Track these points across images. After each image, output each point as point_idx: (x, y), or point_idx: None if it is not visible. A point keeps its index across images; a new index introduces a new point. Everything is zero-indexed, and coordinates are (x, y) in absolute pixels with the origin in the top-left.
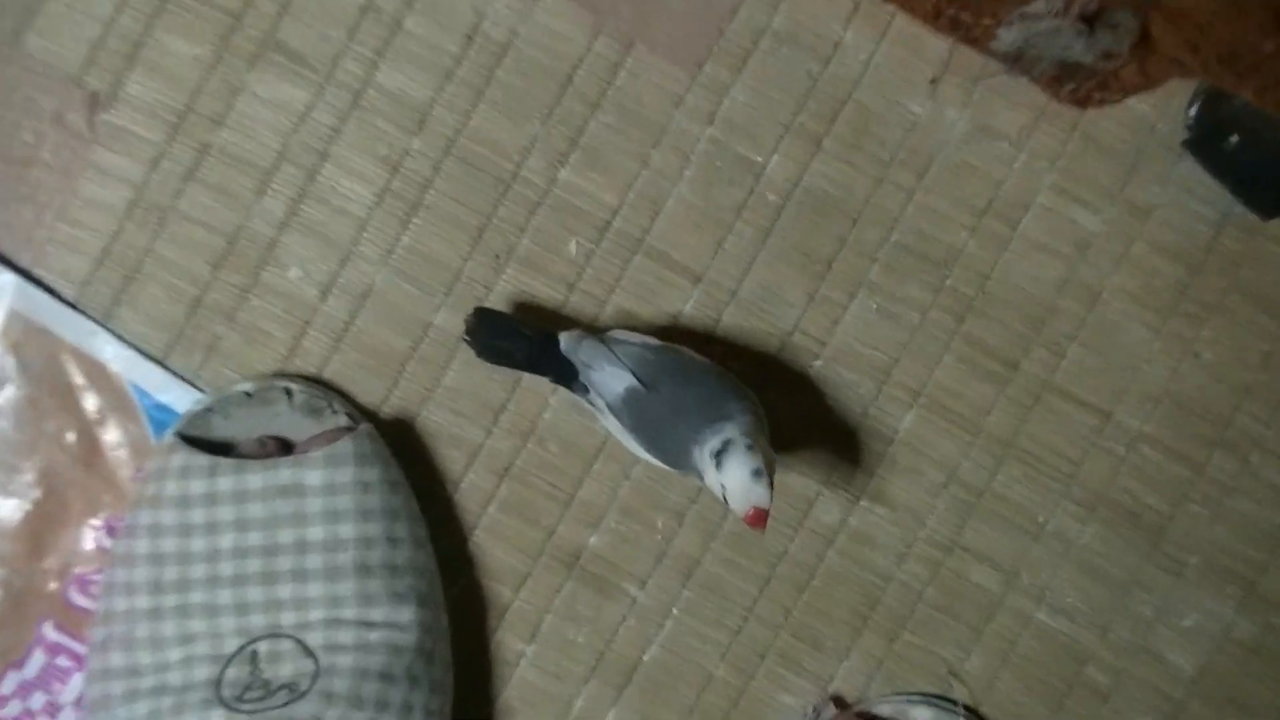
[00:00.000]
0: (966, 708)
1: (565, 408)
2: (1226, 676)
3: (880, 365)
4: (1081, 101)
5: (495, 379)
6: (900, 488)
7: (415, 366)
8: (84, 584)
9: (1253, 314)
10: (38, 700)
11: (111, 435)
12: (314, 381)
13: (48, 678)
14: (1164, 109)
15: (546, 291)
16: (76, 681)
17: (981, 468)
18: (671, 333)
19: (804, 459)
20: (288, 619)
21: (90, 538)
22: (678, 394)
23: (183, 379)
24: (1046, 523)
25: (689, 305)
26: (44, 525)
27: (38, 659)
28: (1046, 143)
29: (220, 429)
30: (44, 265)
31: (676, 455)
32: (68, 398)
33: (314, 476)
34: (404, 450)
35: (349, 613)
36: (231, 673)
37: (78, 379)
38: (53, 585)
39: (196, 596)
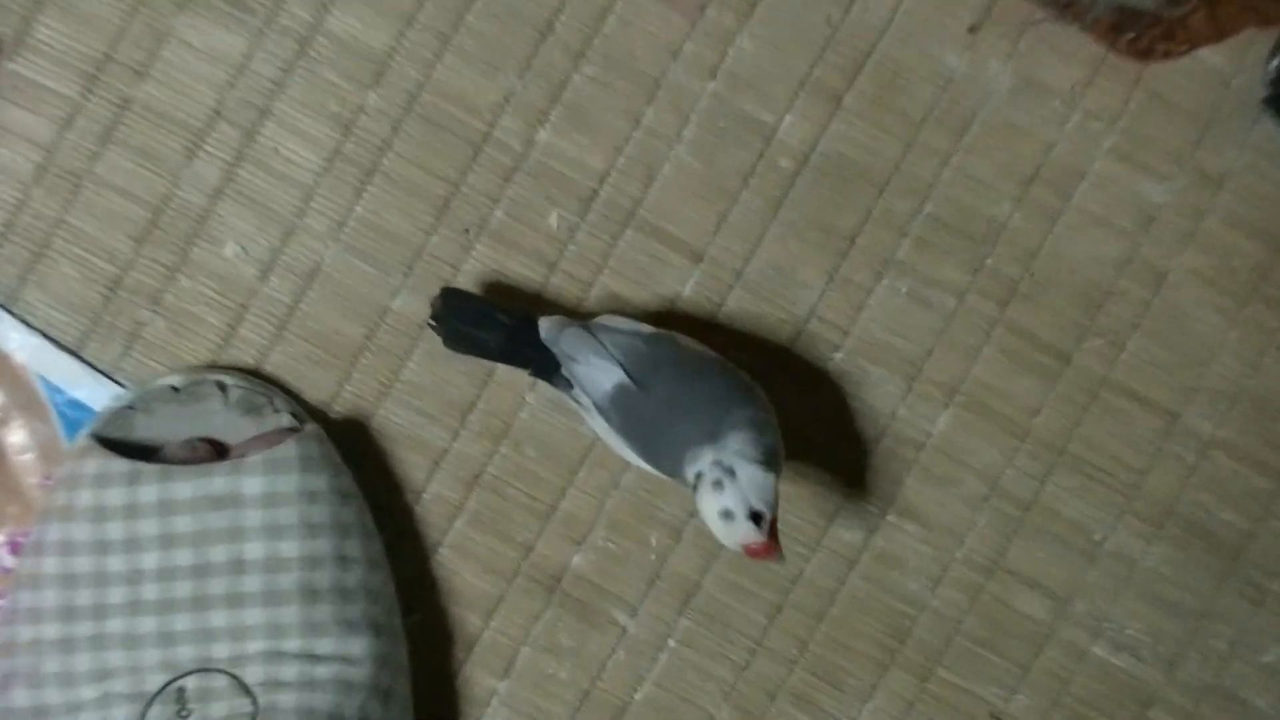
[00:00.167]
0: None
1: (545, 406)
2: None
3: (911, 358)
4: (1144, 53)
5: (464, 372)
6: (934, 500)
7: (371, 358)
8: None
9: None
10: None
11: (16, 437)
12: (253, 375)
13: None
14: (1239, 62)
15: (523, 271)
16: None
17: (1029, 477)
18: (668, 319)
19: (821, 467)
20: (221, 651)
21: None
22: (673, 392)
23: (100, 371)
24: (1104, 541)
25: (688, 287)
26: None
27: None
28: (1104, 100)
29: (143, 429)
30: None
31: (671, 462)
32: None
33: (252, 485)
34: (357, 455)
35: (292, 644)
36: (155, 713)
37: None
38: None
39: (114, 625)
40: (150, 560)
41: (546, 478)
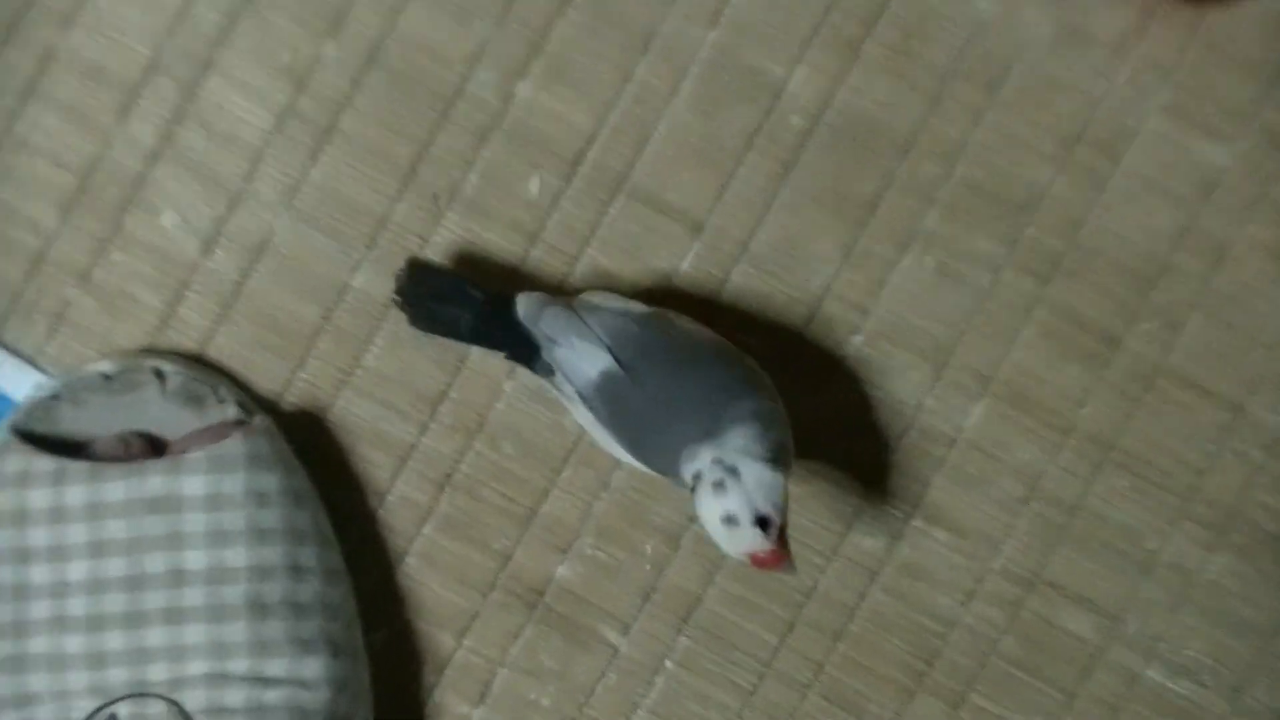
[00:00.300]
0: None
1: (524, 396)
2: None
3: (939, 342)
4: None
5: (433, 358)
6: (966, 504)
7: (327, 341)
8: None
9: None
10: None
11: None
12: (194, 361)
13: None
14: None
15: (500, 243)
16: None
17: (1074, 477)
18: (663, 297)
19: (838, 465)
20: (158, 674)
21: None
22: (668, 380)
23: (21, 356)
24: (1160, 550)
25: (686, 262)
26: None
27: None
28: (1157, 51)
29: (70, 422)
30: None
31: (666, 460)
32: None
33: (194, 485)
34: (312, 452)
35: (239, 665)
36: None
37: None
38: None
39: (37, 645)
40: (78, 570)
41: (526, 477)
